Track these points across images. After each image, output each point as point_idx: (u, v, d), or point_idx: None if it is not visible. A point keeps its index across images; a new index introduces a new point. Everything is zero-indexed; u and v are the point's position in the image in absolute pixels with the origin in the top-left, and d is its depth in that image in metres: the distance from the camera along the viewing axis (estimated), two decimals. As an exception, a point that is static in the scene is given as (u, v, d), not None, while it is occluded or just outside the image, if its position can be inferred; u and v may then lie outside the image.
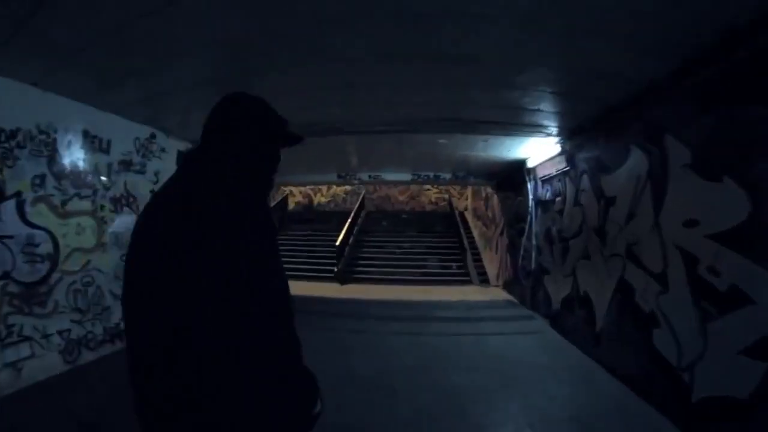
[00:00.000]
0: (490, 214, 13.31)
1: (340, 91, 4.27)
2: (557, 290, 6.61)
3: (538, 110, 4.78)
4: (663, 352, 3.84)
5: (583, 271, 5.64)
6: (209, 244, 1.10)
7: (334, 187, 20.76)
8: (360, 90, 4.22)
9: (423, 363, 5.03)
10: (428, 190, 20.66)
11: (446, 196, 20.09)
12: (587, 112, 4.84)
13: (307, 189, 21.06)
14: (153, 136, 6.12)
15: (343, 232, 14.31)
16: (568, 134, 5.88)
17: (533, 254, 7.96)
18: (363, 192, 20.27)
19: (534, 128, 5.62)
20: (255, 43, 3.31)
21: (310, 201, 21.25)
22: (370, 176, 11.08)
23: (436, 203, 20.62)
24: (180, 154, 6.90)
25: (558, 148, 6.38)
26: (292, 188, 20.65)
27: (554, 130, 5.82)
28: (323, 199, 21.28)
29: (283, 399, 1.19)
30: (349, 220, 15.60)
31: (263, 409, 1.15)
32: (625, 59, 3.38)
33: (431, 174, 10.75)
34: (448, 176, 10.76)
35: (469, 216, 17.61)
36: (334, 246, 13.39)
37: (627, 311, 4.48)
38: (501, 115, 5.05)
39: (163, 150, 6.35)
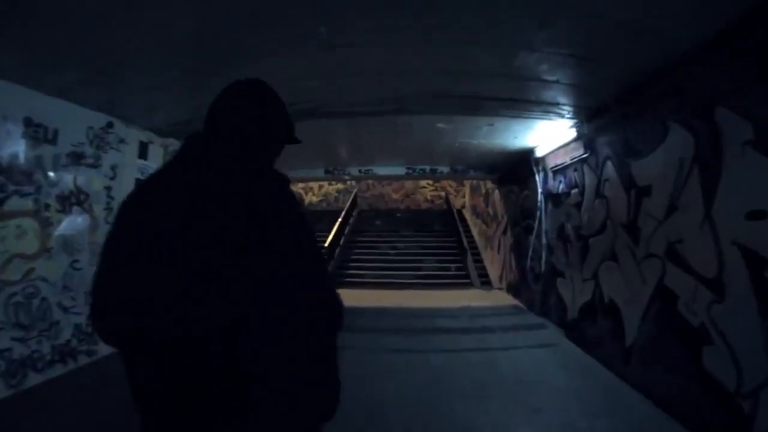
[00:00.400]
0: (491, 211, 12.78)
1: (316, 55, 3.54)
2: (574, 296, 5.94)
3: (556, 82, 4.08)
4: (716, 375, 3.21)
5: (607, 274, 4.96)
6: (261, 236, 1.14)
7: (326, 185, 20.54)
8: (340, 54, 3.49)
9: (424, 389, 4.33)
10: (423, 187, 20.36)
11: (443, 193, 19.72)
12: (613, 84, 4.15)
13: (298, 188, 20.54)
14: (110, 125, 5.48)
15: (333, 232, 13.64)
16: (586, 115, 5.21)
17: (543, 254, 7.30)
18: (355, 190, 19.92)
19: (548, 107, 4.93)
20: None
21: (301, 201, 20.82)
22: (360, 171, 10.42)
23: (432, 201, 20.29)
24: (143, 145, 6.28)
25: (573, 133, 5.72)
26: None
27: (570, 111, 5.14)
28: (315, 199, 20.93)
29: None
30: (340, 220, 14.95)
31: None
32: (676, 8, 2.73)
33: (427, 168, 10.08)
34: (445, 170, 10.08)
35: (467, 214, 17.26)
36: (323, 247, 12.72)
37: (668, 323, 3.80)
38: (510, 89, 4.35)
39: (121, 141, 5.74)
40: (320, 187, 20.80)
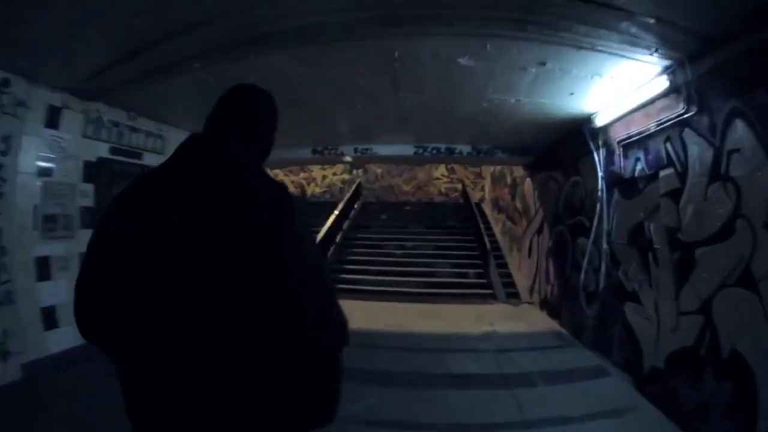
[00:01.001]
0: (518, 204, 11.06)
1: None
2: (659, 334, 4.12)
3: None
4: None
5: (731, 308, 3.18)
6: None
7: (330, 175, 19.80)
8: None
9: None
10: (438, 179, 19.44)
11: (459, 185, 18.36)
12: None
13: (300, 179, 19.83)
14: (5, 83, 4.38)
15: (326, 227, 11.90)
16: (694, 49, 3.40)
17: (603, 265, 5.50)
18: (359, 180, 18.74)
19: (635, 28, 3.10)
20: None
21: (303, 192, 19.73)
22: (356, 150, 8.66)
23: (447, 194, 19.14)
24: (54, 110, 4.93)
25: (663, 83, 3.92)
26: (283, 178, 19.40)
27: (663, 45, 3.38)
28: (318, 190, 19.88)
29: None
30: (336, 212, 13.18)
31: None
32: None
33: (442, 147, 8.25)
34: (465, 149, 8.21)
35: (486, 208, 15.84)
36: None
37: None
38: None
39: (21, 104, 4.55)
40: (323, 177, 19.88)
